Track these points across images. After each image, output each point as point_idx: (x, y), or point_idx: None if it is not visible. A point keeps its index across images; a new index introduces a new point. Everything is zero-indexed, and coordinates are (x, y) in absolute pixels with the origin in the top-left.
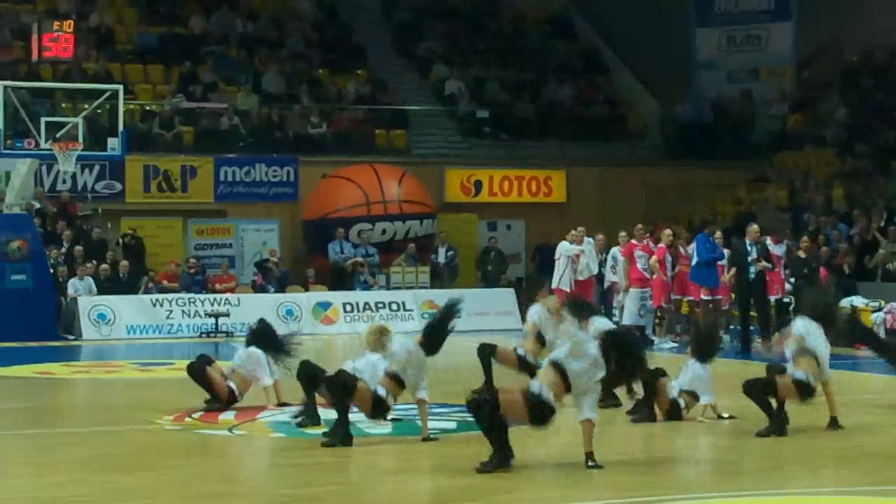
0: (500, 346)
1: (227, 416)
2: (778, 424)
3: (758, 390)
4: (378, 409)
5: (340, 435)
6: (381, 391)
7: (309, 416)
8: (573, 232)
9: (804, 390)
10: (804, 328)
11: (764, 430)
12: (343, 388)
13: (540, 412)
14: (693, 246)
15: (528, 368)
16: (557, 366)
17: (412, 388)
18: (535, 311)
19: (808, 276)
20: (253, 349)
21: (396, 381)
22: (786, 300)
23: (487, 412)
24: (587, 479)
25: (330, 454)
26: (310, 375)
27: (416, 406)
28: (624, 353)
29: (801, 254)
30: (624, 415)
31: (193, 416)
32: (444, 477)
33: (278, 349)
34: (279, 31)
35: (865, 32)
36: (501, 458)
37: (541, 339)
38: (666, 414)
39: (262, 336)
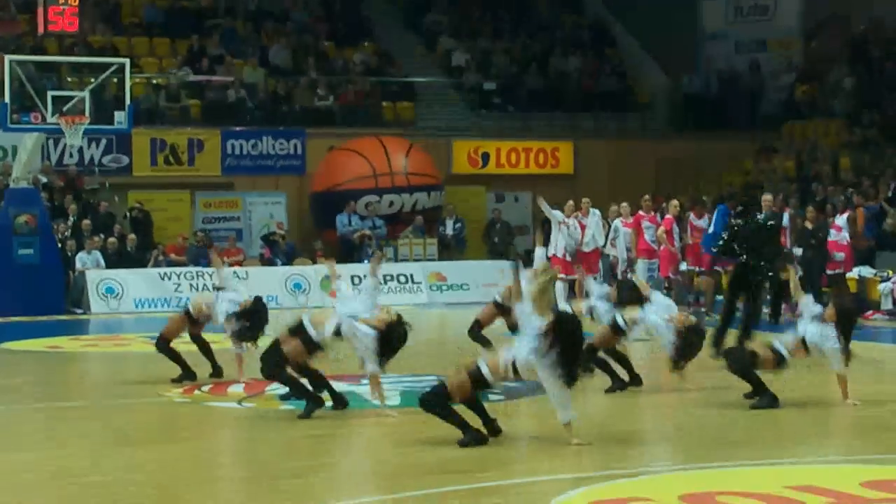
0: (483, 316)
1: (236, 388)
2: (770, 397)
3: (745, 366)
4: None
5: (308, 405)
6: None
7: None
8: (570, 203)
9: (779, 363)
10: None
11: (758, 402)
12: (275, 365)
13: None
14: (713, 217)
15: (505, 312)
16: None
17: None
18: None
19: (815, 246)
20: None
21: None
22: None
23: (436, 407)
24: (588, 451)
25: (340, 426)
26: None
27: (424, 377)
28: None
29: (809, 224)
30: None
31: (202, 388)
32: (457, 448)
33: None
34: (286, 4)
35: (873, 3)
36: (472, 436)
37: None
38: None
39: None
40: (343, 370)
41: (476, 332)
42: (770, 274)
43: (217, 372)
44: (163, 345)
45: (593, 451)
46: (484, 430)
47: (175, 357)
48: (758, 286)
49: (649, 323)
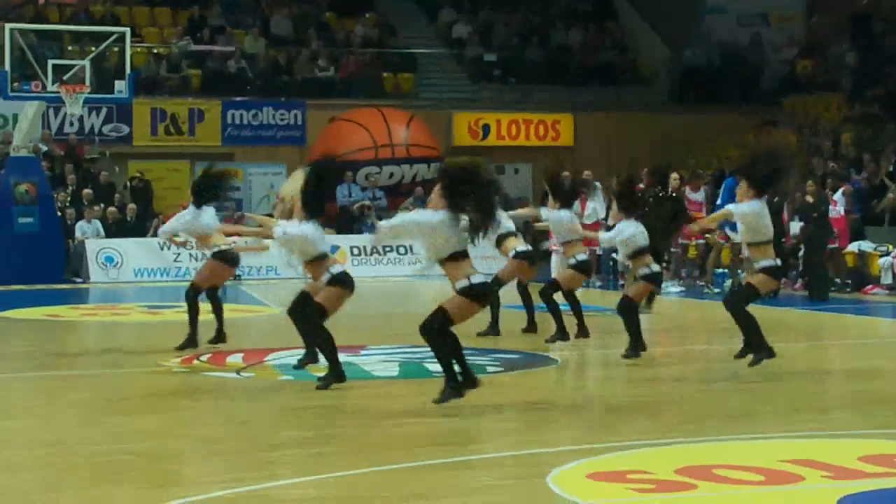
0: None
1: (235, 358)
2: (768, 349)
3: (745, 314)
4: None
5: (329, 376)
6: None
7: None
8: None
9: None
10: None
11: (754, 359)
12: (310, 320)
13: (478, 293)
14: (721, 190)
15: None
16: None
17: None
18: None
19: (817, 219)
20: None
21: None
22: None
23: (435, 333)
24: (585, 424)
25: (338, 397)
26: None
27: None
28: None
29: (809, 198)
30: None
31: (201, 358)
32: (455, 419)
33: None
34: None
35: None
36: (450, 392)
37: None
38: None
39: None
40: (342, 340)
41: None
42: None
43: (220, 337)
44: (192, 294)
45: (590, 423)
46: (459, 380)
47: (194, 315)
48: None
49: (627, 234)
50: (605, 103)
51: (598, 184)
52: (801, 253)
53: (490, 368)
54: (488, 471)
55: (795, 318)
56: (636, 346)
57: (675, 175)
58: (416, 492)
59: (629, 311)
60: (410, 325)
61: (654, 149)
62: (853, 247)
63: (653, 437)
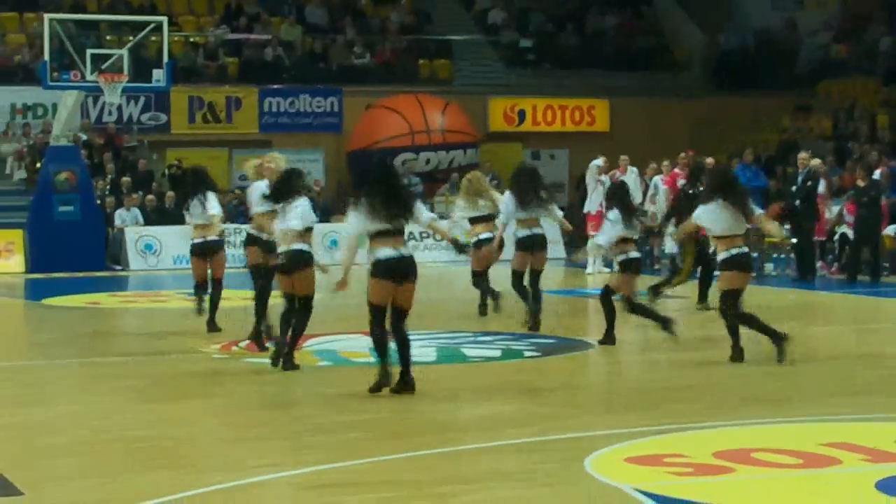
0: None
1: (273, 344)
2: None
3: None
4: None
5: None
6: None
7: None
8: (600, 158)
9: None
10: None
11: (778, 353)
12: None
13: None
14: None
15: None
16: None
17: None
18: None
19: (867, 204)
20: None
21: None
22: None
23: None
24: (622, 408)
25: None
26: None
27: (460, 333)
28: None
29: (860, 182)
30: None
31: (240, 344)
32: (491, 403)
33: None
34: None
35: None
36: (381, 378)
37: None
38: None
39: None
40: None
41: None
42: None
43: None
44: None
45: (627, 407)
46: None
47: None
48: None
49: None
50: (641, 89)
51: (634, 169)
52: (836, 237)
53: (527, 353)
54: (525, 455)
55: (832, 302)
56: (610, 335)
57: (710, 160)
58: (452, 476)
59: (606, 301)
60: (447, 311)
61: (690, 134)
62: (890, 230)
63: (690, 421)
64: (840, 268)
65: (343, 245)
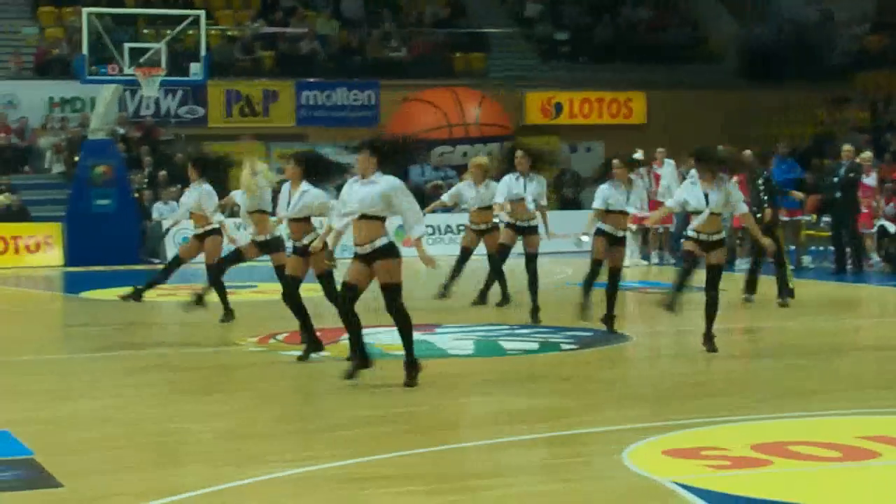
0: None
1: None
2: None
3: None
4: None
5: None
6: None
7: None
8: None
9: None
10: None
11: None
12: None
13: None
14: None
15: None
16: None
17: None
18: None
19: None
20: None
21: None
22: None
23: (344, 305)
24: (659, 401)
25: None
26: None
27: (497, 326)
28: None
29: None
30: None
31: (277, 337)
32: (528, 395)
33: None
34: None
35: None
36: (358, 362)
37: None
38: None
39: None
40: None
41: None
42: None
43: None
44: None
45: (664, 400)
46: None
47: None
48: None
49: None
50: (676, 81)
51: (671, 161)
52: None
53: (565, 346)
54: (563, 448)
55: (870, 294)
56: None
57: (747, 153)
58: (489, 469)
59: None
60: (485, 304)
61: (726, 126)
62: None
63: (727, 414)
64: (885, 258)
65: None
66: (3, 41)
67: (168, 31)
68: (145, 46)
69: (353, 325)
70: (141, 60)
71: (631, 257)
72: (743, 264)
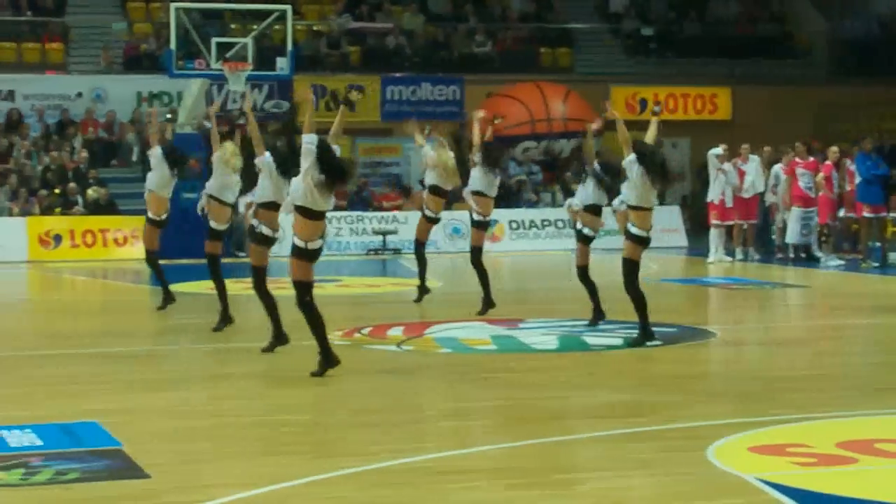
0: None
1: (395, 331)
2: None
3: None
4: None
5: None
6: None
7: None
8: (720, 146)
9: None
10: None
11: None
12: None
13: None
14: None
15: None
16: None
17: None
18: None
19: None
20: None
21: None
22: None
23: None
24: (744, 398)
25: (497, 370)
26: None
27: (581, 321)
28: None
29: None
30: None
31: (362, 331)
32: (613, 392)
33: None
34: None
35: None
36: (325, 361)
37: None
38: None
39: None
40: (501, 314)
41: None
42: None
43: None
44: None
45: (749, 396)
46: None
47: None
48: None
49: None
50: (763, 76)
51: (756, 157)
52: None
53: (648, 343)
54: (648, 444)
55: None
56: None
57: (833, 149)
58: (573, 464)
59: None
60: (569, 299)
61: (814, 122)
62: None
63: (812, 411)
64: None
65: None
66: (92, 36)
67: (255, 26)
68: (232, 41)
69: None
70: (228, 55)
71: (715, 253)
72: (828, 261)
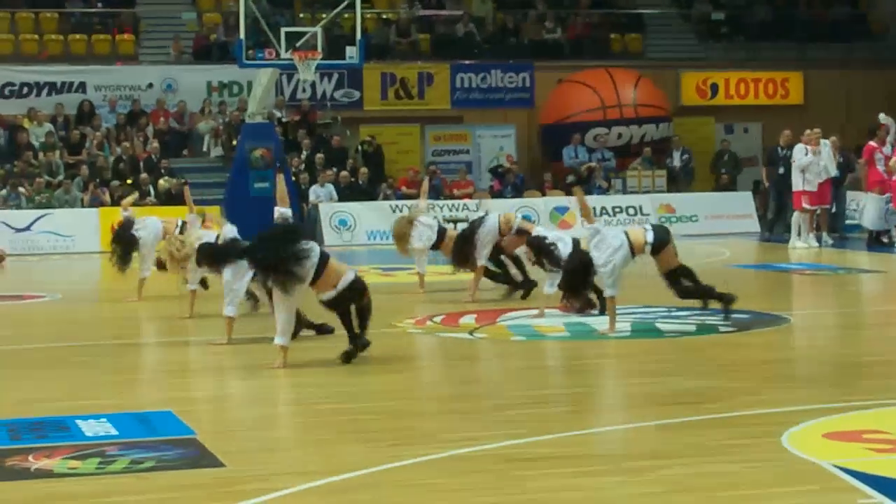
0: None
1: (468, 319)
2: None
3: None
4: None
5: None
6: None
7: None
8: (808, 132)
9: None
10: None
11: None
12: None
13: None
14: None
15: None
16: None
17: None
18: None
19: None
20: None
21: None
22: None
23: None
24: (818, 384)
25: (570, 357)
26: None
27: (654, 308)
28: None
29: None
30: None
31: (435, 319)
32: (687, 378)
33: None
34: None
35: None
36: (353, 347)
37: None
38: None
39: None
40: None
41: None
42: None
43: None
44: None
45: (824, 382)
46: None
47: None
48: None
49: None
50: (836, 60)
51: (827, 142)
52: None
53: (722, 328)
54: (723, 430)
55: None
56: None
57: None
58: (649, 451)
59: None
60: (641, 286)
61: (888, 105)
62: None
63: (888, 397)
64: None
65: None
66: (163, 27)
67: (324, 15)
68: (302, 31)
69: None
70: (298, 44)
71: (805, 238)
72: None
